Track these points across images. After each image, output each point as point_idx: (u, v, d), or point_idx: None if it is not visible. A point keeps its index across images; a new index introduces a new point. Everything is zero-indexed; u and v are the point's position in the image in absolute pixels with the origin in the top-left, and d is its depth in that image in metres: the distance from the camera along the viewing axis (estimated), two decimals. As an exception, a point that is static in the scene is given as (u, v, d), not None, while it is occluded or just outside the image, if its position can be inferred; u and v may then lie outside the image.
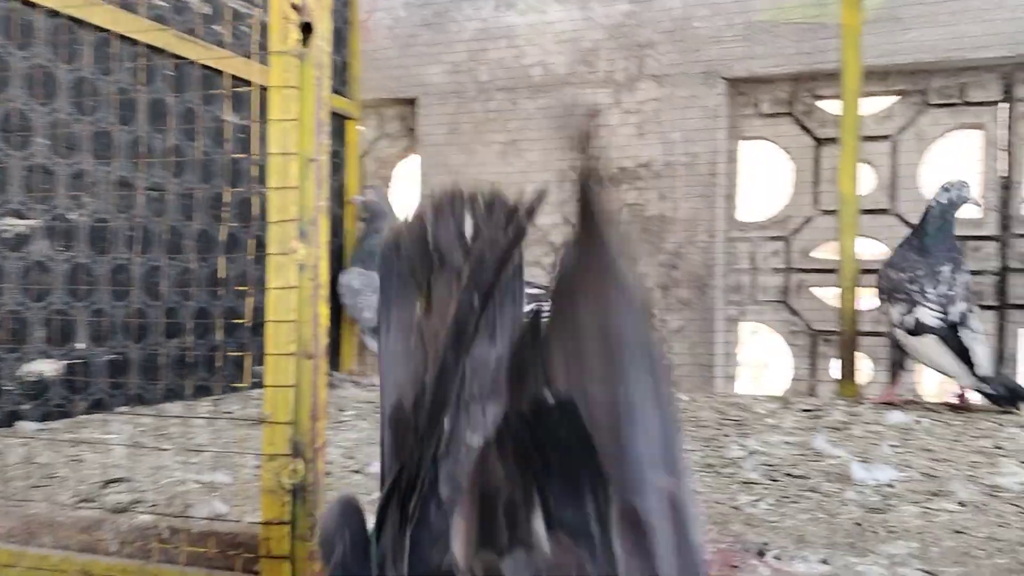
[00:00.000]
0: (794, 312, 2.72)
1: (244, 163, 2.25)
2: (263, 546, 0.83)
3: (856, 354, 2.41)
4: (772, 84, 2.72)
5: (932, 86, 2.57)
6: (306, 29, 0.84)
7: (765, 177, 2.81)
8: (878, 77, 2.57)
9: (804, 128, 2.70)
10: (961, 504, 1.03)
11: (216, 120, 2.22)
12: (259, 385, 0.90)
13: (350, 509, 0.57)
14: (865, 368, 2.58)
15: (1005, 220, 2.51)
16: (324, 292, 0.86)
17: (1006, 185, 2.51)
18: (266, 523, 0.84)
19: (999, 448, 1.48)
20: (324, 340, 0.86)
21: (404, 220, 0.63)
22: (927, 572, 0.75)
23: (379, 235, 2.55)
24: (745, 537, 0.86)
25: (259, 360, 0.89)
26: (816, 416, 1.86)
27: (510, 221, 0.61)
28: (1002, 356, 2.51)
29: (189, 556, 0.88)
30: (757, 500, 1.03)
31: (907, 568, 0.77)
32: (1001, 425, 1.74)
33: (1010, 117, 2.50)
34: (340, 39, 2.78)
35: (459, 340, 0.56)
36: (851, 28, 2.37)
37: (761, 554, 0.80)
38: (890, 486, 1.13)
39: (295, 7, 0.83)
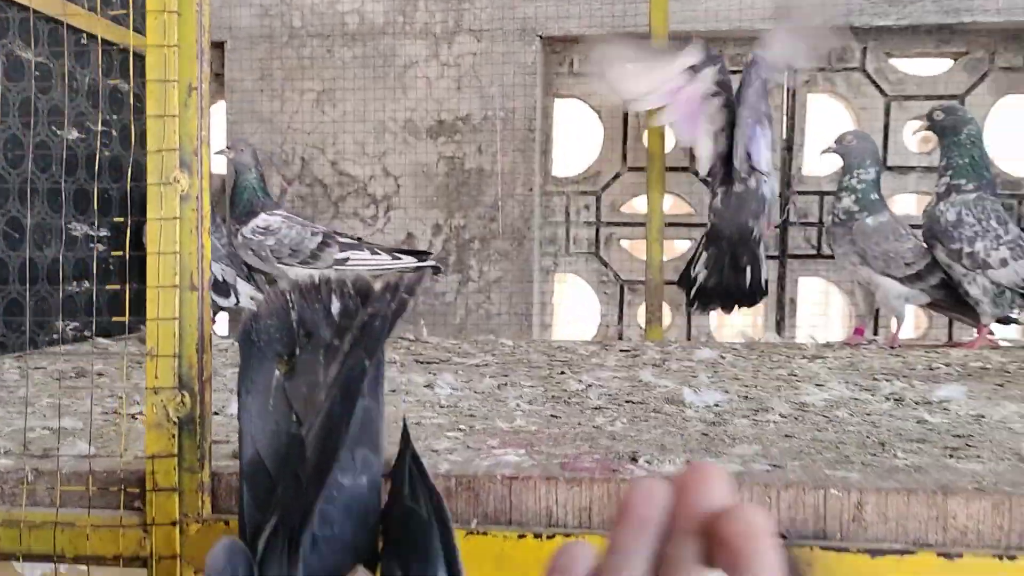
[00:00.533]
0: (604, 263, 2.88)
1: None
2: (149, 480, 0.81)
3: (662, 301, 2.61)
4: (584, 44, 2.84)
5: (727, 52, 2.79)
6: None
7: (578, 134, 2.95)
8: (680, 41, 2.75)
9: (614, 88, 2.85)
10: (782, 416, 1.17)
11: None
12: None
13: (236, 550, 0.62)
14: (667, 315, 2.80)
15: (787, 178, 2.78)
16: (207, 224, 0.84)
17: (788, 147, 2.78)
18: (152, 456, 0.82)
19: (794, 375, 1.68)
20: (208, 272, 0.84)
21: (265, 297, 0.72)
22: (775, 465, 0.87)
23: (247, 190, 2.47)
24: (615, 448, 0.94)
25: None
26: (634, 355, 2.01)
27: (393, 296, 0.68)
28: (782, 303, 2.81)
29: (63, 497, 0.85)
30: (613, 420, 1.12)
31: (757, 464, 0.87)
32: (789, 359, 1.96)
33: (793, 83, 2.76)
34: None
35: (348, 398, 0.63)
36: (658, -6, 2.53)
37: (634, 459, 0.89)
38: (718, 406, 1.26)
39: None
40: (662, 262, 2.57)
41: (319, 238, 2.43)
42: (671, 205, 2.86)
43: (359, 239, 2.51)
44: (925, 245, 2.21)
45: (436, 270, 2.51)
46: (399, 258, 2.42)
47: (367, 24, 2.85)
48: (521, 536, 0.80)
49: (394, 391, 1.43)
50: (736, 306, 2.43)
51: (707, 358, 1.91)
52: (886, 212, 2.23)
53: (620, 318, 2.90)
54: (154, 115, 0.83)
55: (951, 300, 2.22)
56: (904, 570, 0.74)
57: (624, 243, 2.90)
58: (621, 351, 2.10)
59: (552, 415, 1.19)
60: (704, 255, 2.40)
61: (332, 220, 2.86)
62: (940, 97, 2.67)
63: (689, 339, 2.82)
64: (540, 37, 2.79)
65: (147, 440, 0.82)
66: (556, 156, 2.93)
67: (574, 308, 3.15)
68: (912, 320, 2.95)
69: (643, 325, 2.65)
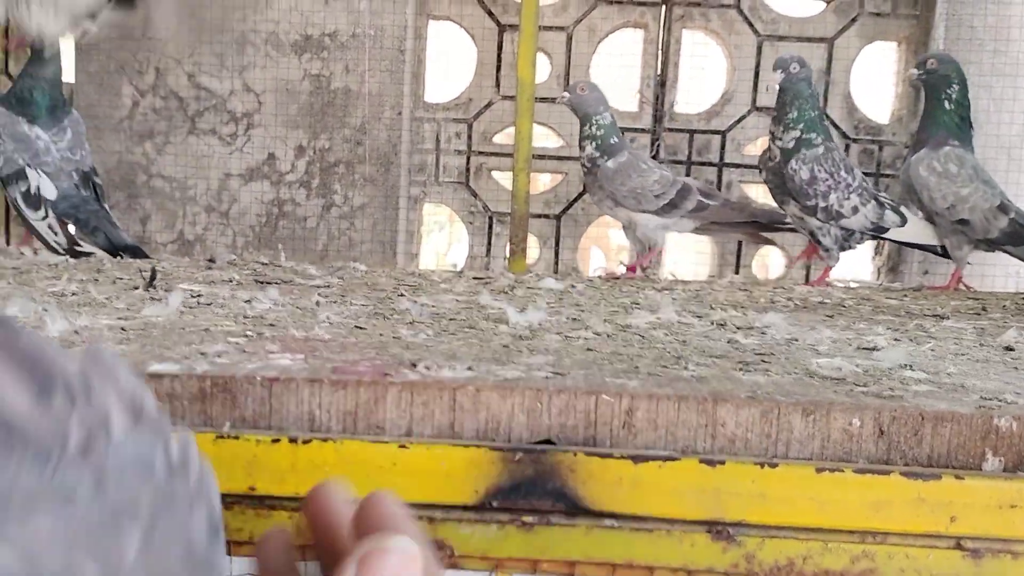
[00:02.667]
0: (474, 194, 2.82)
1: None
2: None
3: (526, 232, 2.57)
4: (460, -36, 2.74)
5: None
6: None
7: (451, 59, 2.85)
8: (557, -31, 2.68)
9: (488, 12, 2.76)
10: (596, 334, 1.14)
11: None
12: None
13: None
14: (532, 248, 2.77)
15: (658, 115, 2.77)
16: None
17: (662, 83, 2.76)
18: None
19: (636, 304, 1.67)
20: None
21: None
22: (556, 372, 0.83)
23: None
24: (402, 357, 0.89)
25: None
26: (485, 283, 1.96)
27: None
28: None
29: None
30: (417, 334, 1.07)
31: (540, 372, 0.84)
32: (639, 290, 1.95)
33: (668, 19, 2.73)
34: None
35: None
36: (534, -86, 2.43)
37: (413, 365, 0.84)
38: (540, 325, 1.23)
39: None
40: (528, 193, 2.53)
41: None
42: (542, 137, 2.81)
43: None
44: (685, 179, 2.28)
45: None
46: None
47: (229, -72, 2.66)
48: (275, 440, 0.74)
49: (209, 304, 1.35)
50: None
51: (555, 287, 1.88)
52: (625, 152, 2.25)
53: (488, 250, 2.85)
54: None
55: (718, 218, 2.28)
56: (665, 476, 0.72)
57: (495, 174, 2.84)
58: (475, 279, 2.05)
59: (357, 326, 1.13)
60: None
61: (188, 136, 2.71)
62: (810, 40, 2.69)
63: (556, 272, 2.80)
64: (414, -47, 2.67)
65: None
66: (428, 80, 2.84)
67: (441, 239, 3.10)
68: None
69: (507, 257, 2.61)
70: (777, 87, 2.16)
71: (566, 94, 2.30)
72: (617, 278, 2.31)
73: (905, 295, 1.99)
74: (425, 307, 1.43)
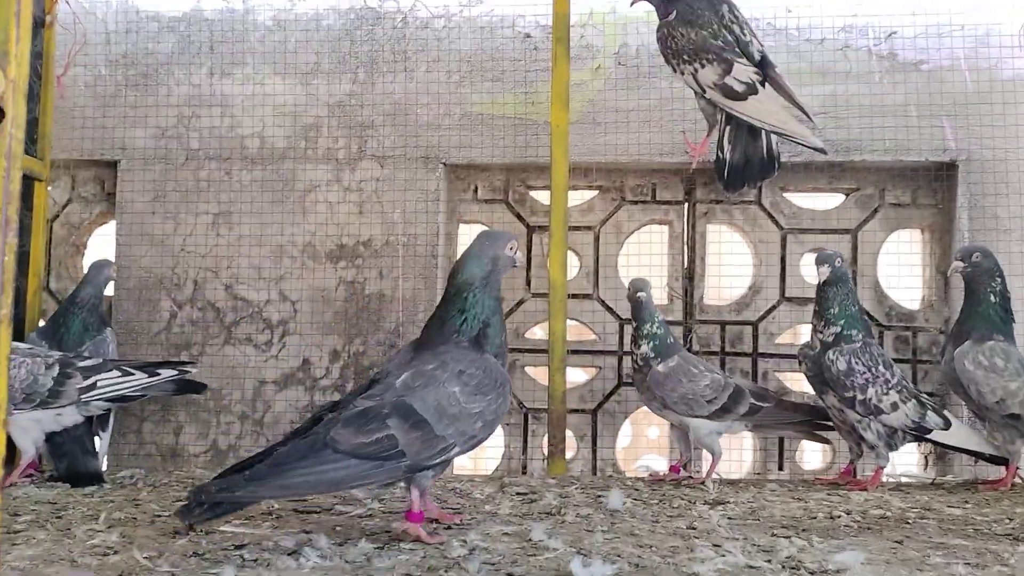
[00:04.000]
0: (507, 392, 2.80)
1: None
2: None
3: (565, 432, 2.53)
4: (488, 172, 2.84)
5: (627, 184, 2.82)
6: (-4, 114, 0.73)
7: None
8: (581, 172, 2.78)
9: (517, 215, 2.84)
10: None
11: None
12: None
13: None
14: (571, 444, 2.72)
15: (688, 307, 2.78)
16: (6, 351, 0.74)
17: (689, 276, 2.79)
18: None
19: (693, 528, 1.61)
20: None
21: None
22: None
23: None
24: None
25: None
26: (531, 500, 1.91)
27: None
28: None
29: None
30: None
31: None
32: (690, 504, 1.89)
33: (692, 215, 2.80)
34: (31, 94, 2.51)
35: None
36: (559, 127, 2.54)
37: None
38: (608, 580, 1.18)
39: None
40: (564, 393, 2.51)
41: (55, 370, 2.12)
42: (575, 332, 2.82)
43: (106, 360, 2.30)
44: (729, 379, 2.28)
45: (200, 387, 2.45)
46: (157, 374, 2.25)
47: (268, 148, 2.79)
48: None
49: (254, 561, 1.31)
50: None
51: (611, 506, 1.83)
52: (675, 356, 2.25)
53: (524, 448, 2.80)
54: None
55: (772, 420, 2.28)
56: None
57: (528, 370, 2.84)
58: (518, 494, 2.00)
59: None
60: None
61: (224, 346, 2.73)
62: (833, 231, 2.74)
63: (595, 472, 2.75)
64: (444, 164, 2.77)
65: None
66: (459, 282, 2.87)
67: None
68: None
69: (545, 458, 2.56)
70: (818, 279, 2.16)
71: (641, 294, 2.29)
72: (662, 479, 2.25)
73: (967, 502, 1.92)
74: (478, 551, 1.38)
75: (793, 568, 1.27)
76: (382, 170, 2.77)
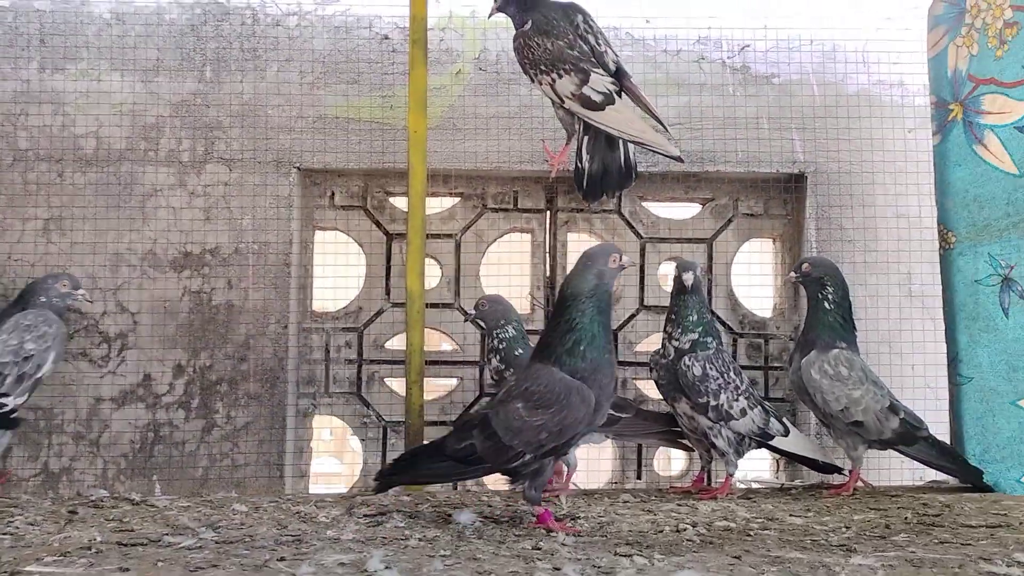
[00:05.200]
0: (366, 403, 2.72)
1: None
2: None
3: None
4: (345, 177, 2.74)
5: (489, 191, 2.78)
6: None
7: (338, 268, 2.80)
8: (442, 179, 2.72)
9: (376, 222, 2.76)
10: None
11: None
12: None
13: None
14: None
15: (548, 316, 2.76)
16: None
17: (551, 285, 2.77)
18: None
19: (537, 549, 1.57)
20: None
21: None
22: None
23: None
24: None
25: None
26: (378, 522, 1.83)
27: None
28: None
29: None
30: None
31: None
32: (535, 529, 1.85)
33: (553, 224, 2.78)
34: None
35: None
36: (417, 132, 2.46)
37: None
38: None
39: None
40: (422, 406, 2.44)
41: None
42: (435, 341, 2.76)
43: None
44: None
45: (11, 423, 2.18)
46: None
47: (105, 149, 2.62)
48: None
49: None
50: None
51: (465, 521, 1.77)
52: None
53: (383, 462, 2.72)
54: None
55: (631, 430, 2.33)
56: None
57: (388, 381, 2.76)
58: (365, 515, 1.92)
59: None
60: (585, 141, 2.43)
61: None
62: (690, 240, 2.77)
63: (454, 487, 2.69)
64: (297, 168, 2.66)
65: None
66: (316, 291, 2.77)
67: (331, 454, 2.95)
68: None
69: (403, 475, 2.48)
70: (684, 285, 2.17)
71: (474, 311, 2.29)
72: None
73: (808, 510, 1.96)
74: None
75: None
76: (231, 174, 2.64)
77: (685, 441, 2.40)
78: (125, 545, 1.64)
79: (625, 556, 1.48)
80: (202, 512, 2.00)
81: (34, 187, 2.58)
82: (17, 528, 1.80)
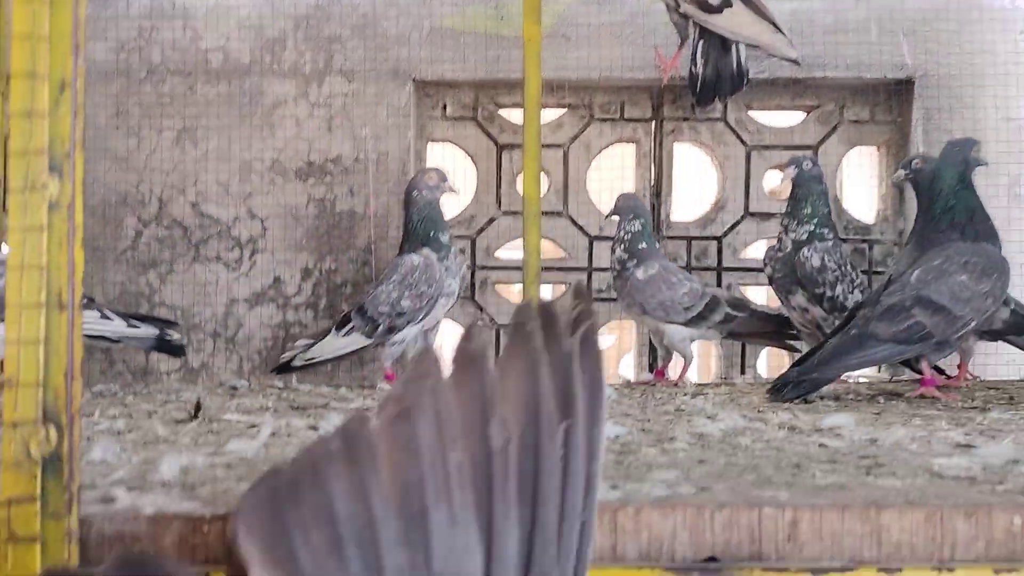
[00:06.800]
0: (480, 307, 2.84)
1: None
2: (4, 528, 0.69)
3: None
4: (457, 88, 2.83)
5: (596, 101, 2.85)
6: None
7: (452, 178, 2.90)
8: (550, 89, 2.78)
9: (486, 133, 2.85)
10: (689, 443, 1.15)
11: None
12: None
13: None
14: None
15: (656, 224, 2.84)
16: (80, 235, 0.74)
17: (657, 193, 2.85)
18: (9, 501, 0.70)
19: (682, 410, 1.68)
20: (80, 290, 0.74)
21: None
22: (702, 488, 0.83)
23: None
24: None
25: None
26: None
27: None
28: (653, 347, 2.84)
29: None
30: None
31: (683, 487, 0.84)
32: (672, 396, 1.97)
33: (660, 133, 2.85)
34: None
35: None
36: (532, 41, 2.53)
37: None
38: (619, 438, 1.23)
39: None
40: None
41: None
42: (545, 250, 2.86)
43: (89, 298, 2.15)
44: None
45: (179, 350, 2.27)
46: (136, 326, 2.12)
47: (232, 62, 2.73)
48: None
49: (274, 434, 1.33)
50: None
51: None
52: (656, 263, 2.32)
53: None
54: (20, 112, 0.73)
55: (745, 328, 2.37)
56: (846, 587, 0.72)
57: (500, 287, 2.87)
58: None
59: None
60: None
61: (192, 264, 2.70)
62: (796, 147, 2.81)
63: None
64: (413, 80, 2.76)
65: (3, 482, 0.70)
66: (430, 200, 2.88)
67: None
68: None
69: (521, 369, 2.61)
70: (786, 187, 2.23)
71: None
72: (647, 384, 2.32)
73: (923, 396, 2.03)
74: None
75: (790, 428, 1.35)
76: (350, 85, 2.74)
77: (793, 343, 2.48)
78: (296, 408, 1.79)
79: (771, 411, 1.59)
80: (351, 390, 2.16)
81: (167, 99, 2.72)
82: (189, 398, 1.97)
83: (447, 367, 0.61)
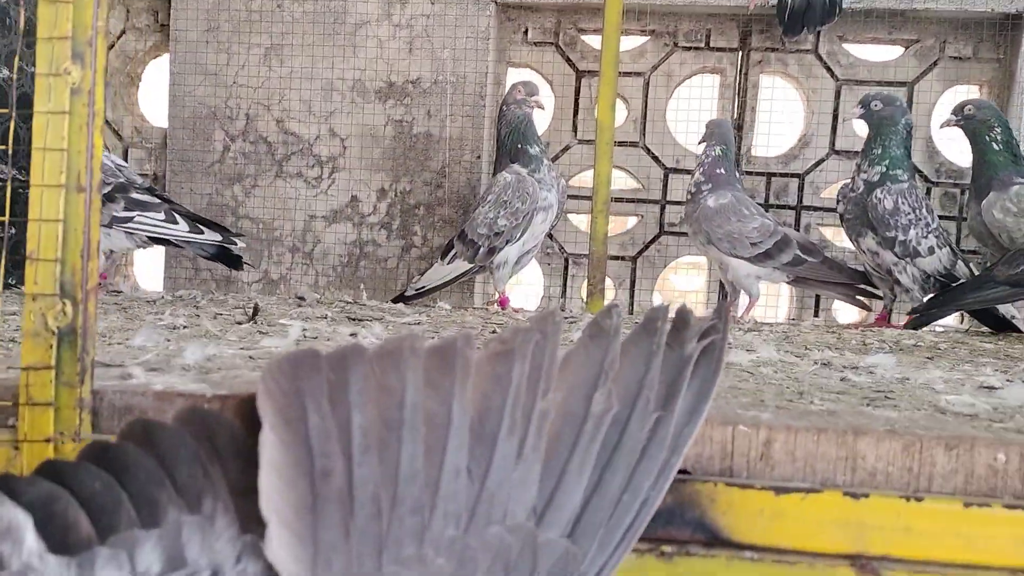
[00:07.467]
0: (550, 235, 2.85)
1: None
2: (23, 393, 0.76)
3: (604, 273, 2.58)
4: (539, 13, 2.80)
5: (681, 29, 2.77)
6: None
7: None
8: (634, 16, 2.73)
9: (567, 59, 2.82)
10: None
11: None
12: None
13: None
14: (609, 289, 2.78)
15: (736, 158, 2.77)
16: (100, 121, 0.79)
17: (739, 126, 2.77)
18: (27, 368, 0.77)
19: (728, 344, 1.66)
20: (98, 174, 0.79)
21: None
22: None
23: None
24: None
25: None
26: (571, 322, 1.98)
27: None
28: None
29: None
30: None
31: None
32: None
33: (746, 64, 2.75)
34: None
35: None
36: (615, -36, 2.48)
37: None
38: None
39: None
40: (606, 235, 2.54)
41: (106, 189, 2.02)
42: (619, 181, 2.83)
43: (163, 198, 2.23)
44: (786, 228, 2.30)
45: (236, 262, 2.35)
46: (199, 230, 2.17)
47: (318, -20, 2.77)
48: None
49: (311, 336, 1.39)
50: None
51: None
52: (729, 193, 2.25)
53: (564, 291, 2.87)
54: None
55: (814, 275, 2.29)
56: (808, 509, 0.72)
57: (571, 216, 2.87)
58: (566, 319, 2.07)
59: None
60: None
61: (275, 179, 2.80)
62: (890, 84, 2.69)
63: (632, 314, 2.81)
64: (495, 3, 2.74)
65: (22, 350, 0.77)
66: (506, 125, 2.88)
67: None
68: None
69: (585, 299, 2.62)
70: (858, 125, 2.15)
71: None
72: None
73: (1000, 339, 1.95)
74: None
75: (825, 364, 1.32)
76: (432, 7, 2.75)
77: (863, 299, 2.41)
78: (352, 319, 1.86)
79: (816, 350, 1.56)
80: (413, 308, 2.22)
81: (256, 16, 2.79)
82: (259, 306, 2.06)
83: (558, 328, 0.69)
